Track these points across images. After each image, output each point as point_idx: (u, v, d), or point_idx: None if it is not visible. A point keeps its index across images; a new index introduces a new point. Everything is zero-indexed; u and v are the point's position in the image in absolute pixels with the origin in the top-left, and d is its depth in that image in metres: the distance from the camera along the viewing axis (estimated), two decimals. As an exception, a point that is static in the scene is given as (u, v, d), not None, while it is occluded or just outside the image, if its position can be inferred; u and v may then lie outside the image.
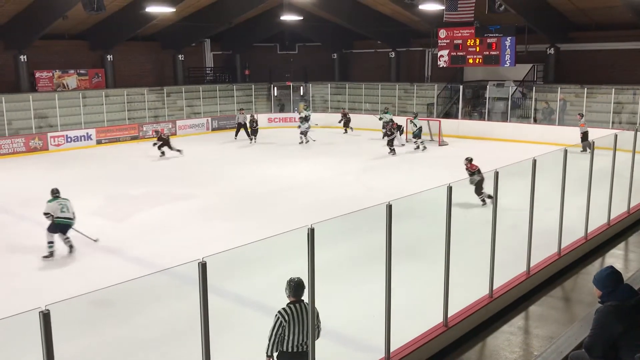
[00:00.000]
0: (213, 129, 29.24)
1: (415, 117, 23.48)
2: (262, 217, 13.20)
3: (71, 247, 11.00)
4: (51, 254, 10.78)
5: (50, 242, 10.80)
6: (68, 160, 20.82)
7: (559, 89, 24.29)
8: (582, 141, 20.49)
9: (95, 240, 11.47)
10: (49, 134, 23.94)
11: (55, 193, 11.15)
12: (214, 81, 32.99)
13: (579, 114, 21.75)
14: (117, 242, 11.61)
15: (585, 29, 25.32)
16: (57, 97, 25.22)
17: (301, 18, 27.77)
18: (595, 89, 23.91)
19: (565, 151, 8.47)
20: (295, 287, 5.14)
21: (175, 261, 5.22)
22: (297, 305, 5.14)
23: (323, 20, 30.50)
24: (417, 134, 22.83)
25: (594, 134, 19.41)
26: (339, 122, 27.34)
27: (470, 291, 7.17)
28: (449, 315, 6.43)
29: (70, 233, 11.04)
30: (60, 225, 10.89)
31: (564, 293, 8.00)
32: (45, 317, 3.31)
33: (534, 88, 25.53)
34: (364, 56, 34.38)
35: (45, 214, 10.90)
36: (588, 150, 8.96)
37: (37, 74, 26.25)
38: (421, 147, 22.64)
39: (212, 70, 33.66)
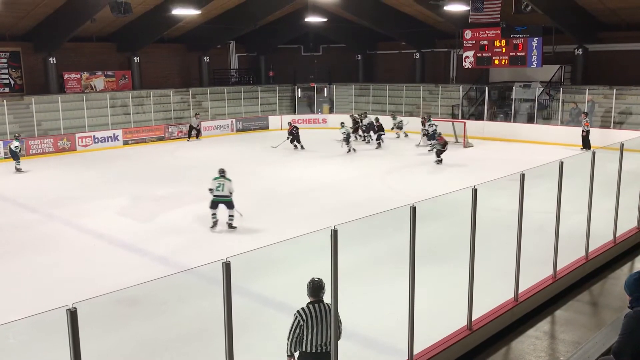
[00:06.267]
0: (237, 130, 29.42)
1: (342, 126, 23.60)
2: (285, 218, 13.23)
3: (230, 225, 12.28)
4: (214, 224, 12.28)
5: (213, 214, 12.32)
6: (95, 161, 21.13)
7: (587, 90, 23.88)
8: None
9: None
10: (77, 135, 24.34)
11: (220, 172, 12.40)
12: (239, 83, 33.23)
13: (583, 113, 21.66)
14: (143, 241, 11.74)
15: (615, 29, 24.84)
16: (84, 99, 25.66)
17: (325, 19, 27.79)
18: (625, 90, 23.48)
19: (594, 153, 8.32)
20: (313, 288, 5.16)
21: (199, 261, 5.27)
22: (317, 305, 5.13)
23: (347, 21, 30.48)
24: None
25: (623, 135, 19.09)
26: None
27: (495, 294, 7.08)
28: (473, 319, 6.36)
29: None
30: (215, 202, 12.24)
31: (592, 297, 7.85)
32: (72, 314, 3.35)
33: (561, 89, 25.13)
34: (389, 57, 34.27)
35: (209, 189, 12.36)
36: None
37: (66, 76, 26.70)
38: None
39: (237, 71, 33.91)
